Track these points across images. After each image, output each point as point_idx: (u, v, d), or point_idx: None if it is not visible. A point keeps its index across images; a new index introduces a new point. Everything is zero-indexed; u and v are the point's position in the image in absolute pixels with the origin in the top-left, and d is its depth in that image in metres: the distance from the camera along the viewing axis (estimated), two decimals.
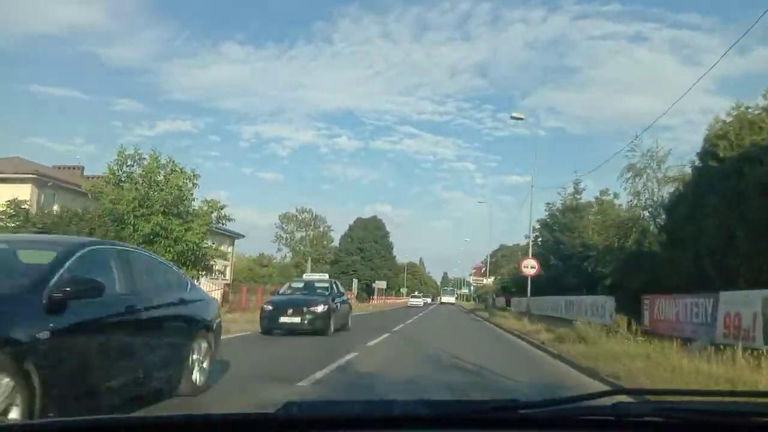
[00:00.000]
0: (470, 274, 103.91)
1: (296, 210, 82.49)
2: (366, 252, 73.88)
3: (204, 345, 6.03)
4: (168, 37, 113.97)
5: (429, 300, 68.15)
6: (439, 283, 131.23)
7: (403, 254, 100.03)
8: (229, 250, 38.07)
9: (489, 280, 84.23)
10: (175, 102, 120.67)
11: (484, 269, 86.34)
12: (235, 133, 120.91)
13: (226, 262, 35.05)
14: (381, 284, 63.02)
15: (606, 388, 6.26)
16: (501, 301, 49.89)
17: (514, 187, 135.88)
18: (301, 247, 77.69)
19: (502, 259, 79.96)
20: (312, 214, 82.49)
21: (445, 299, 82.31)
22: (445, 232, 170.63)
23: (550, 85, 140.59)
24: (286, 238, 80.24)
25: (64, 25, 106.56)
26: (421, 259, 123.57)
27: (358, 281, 59.76)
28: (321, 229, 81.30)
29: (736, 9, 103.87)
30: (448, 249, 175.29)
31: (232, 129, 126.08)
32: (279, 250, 79.54)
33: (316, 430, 1.41)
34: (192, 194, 18.60)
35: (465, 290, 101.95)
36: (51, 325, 3.74)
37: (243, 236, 40.00)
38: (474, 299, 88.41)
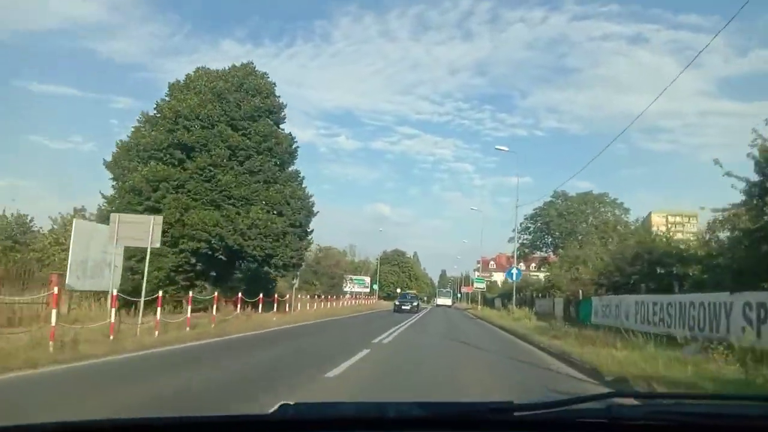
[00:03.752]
0: (475, 269, 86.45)
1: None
2: (207, 153, 23.35)
3: None
4: (167, 33, 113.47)
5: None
6: (436, 282, 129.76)
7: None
8: None
9: (504, 269, 52.87)
10: None
11: (512, 254, 42.24)
12: None
13: None
14: None
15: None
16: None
17: (514, 188, 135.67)
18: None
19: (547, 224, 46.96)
20: None
21: (440, 301, 76.53)
22: (444, 232, 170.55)
23: (550, 85, 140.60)
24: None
25: (60, 19, 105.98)
26: (415, 253, 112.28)
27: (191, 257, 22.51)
28: None
29: (737, 8, 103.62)
30: (445, 248, 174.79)
31: None
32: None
33: (311, 431, 1.41)
34: None
35: (479, 284, 58.71)
36: None
37: None
38: (506, 302, 40.16)
